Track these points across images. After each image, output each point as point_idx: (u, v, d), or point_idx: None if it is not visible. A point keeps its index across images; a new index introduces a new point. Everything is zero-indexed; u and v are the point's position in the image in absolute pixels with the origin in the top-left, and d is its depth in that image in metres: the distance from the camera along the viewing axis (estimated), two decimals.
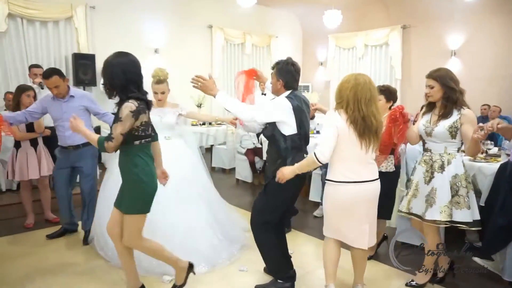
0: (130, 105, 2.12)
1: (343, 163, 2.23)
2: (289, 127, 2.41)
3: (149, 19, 7.55)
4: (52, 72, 3.17)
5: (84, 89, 6.52)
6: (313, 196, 4.52)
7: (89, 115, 3.37)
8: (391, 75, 8.74)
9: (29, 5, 6.06)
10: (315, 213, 4.27)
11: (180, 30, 8.02)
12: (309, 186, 4.50)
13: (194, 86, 2.46)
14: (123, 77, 2.14)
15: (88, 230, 3.40)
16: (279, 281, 2.57)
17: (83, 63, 6.41)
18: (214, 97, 2.43)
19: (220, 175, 6.38)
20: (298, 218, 3.95)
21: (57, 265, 3.00)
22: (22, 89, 3.76)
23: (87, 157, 3.35)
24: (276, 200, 2.51)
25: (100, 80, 6.02)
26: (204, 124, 6.73)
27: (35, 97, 3.81)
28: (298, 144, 2.45)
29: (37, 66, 4.73)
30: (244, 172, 5.69)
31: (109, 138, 2.13)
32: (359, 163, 2.24)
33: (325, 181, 2.36)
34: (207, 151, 6.96)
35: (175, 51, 7.93)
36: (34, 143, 3.78)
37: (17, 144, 3.74)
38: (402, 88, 8.45)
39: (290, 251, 2.72)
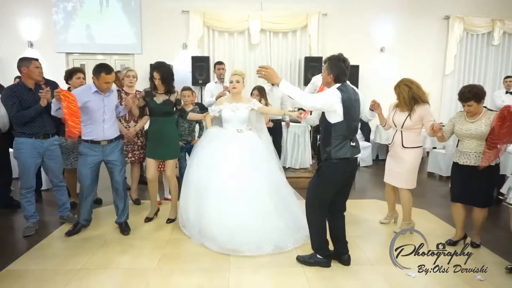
0: None
1: None
2: (336, 116, 2.64)
3: (377, 18, 7.62)
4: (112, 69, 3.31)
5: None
6: None
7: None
8: None
9: (277, 20, 7.41)
10: None
11: (410, 25, 7.66)
12: None
13: (259, 76, 2.67)
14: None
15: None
16: (318, 256, 2.89)
17: (312, 65, 7.22)
18: (278, 85, 2.64)
19: (435, 182, 5.78)
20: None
21: None
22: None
23: (118, 150, 3.49)
24: (328, 183, 2.75)
25: None
26: None
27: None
28: (344, 132, 2.66)
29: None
30: None
31: None
32: None
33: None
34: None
35: (402, 48, 7.67)
36: None
37: None
38: None
39: None
